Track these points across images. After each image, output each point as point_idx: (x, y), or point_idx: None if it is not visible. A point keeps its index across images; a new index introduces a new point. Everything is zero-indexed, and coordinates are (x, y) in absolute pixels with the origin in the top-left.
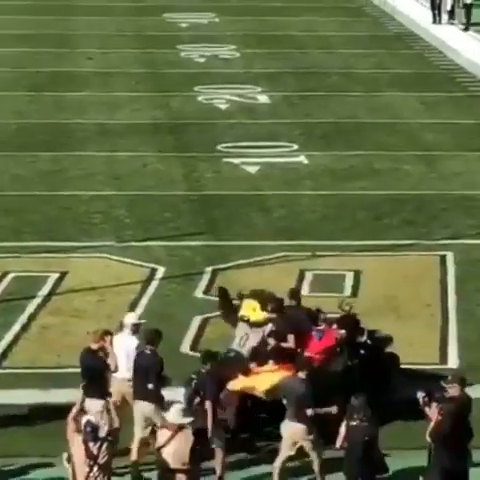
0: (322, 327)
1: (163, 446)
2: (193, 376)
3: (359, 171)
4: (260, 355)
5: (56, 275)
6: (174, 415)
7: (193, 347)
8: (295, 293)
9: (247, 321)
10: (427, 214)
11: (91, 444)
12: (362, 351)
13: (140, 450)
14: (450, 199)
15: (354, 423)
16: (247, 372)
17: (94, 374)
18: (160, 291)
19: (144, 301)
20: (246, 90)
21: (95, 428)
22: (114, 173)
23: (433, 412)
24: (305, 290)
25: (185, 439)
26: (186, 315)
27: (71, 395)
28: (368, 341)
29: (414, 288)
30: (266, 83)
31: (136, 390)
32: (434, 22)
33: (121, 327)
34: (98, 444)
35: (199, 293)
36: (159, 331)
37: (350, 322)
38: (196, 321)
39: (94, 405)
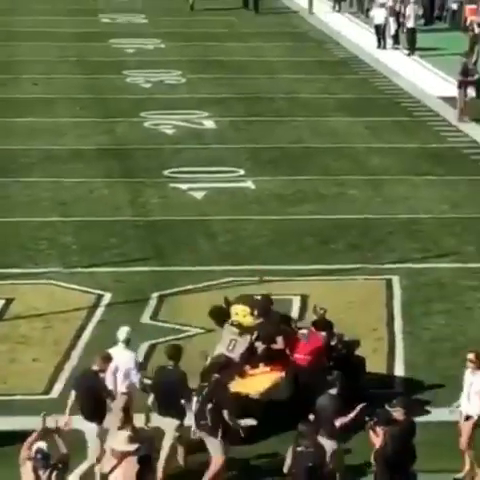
0: (305, 330)
1: (109, 473)
2: (204, 384)
3: (305, 196)
4: (249, 359)
5: (2, 302)
6: (121, 442)
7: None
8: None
9: (238, 326)
10: (373, 238)
11: (41, 472)
12: (334, 354)
13: (167, 466)
14: (396, 223)
15: (300, 449)
16: (243, 375)
17: (95, 396)
18: (107, 317)
19: (90, 327)
20: (192, 115)
21: (46, 456)
22: (60, 199)
23: (378, 435)
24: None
25: (131, 466)
26: (133, 341)
27: (18, 422)
28: (339, 345)
29: (361, 312)
30: (212, 108)
31: (160, 406)
32: (379, 47)
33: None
34: (48, 472)
35: (146, 319)
36: (180, 346)
37: (327, 325)
38: (143, 347)
39: (88, 429)
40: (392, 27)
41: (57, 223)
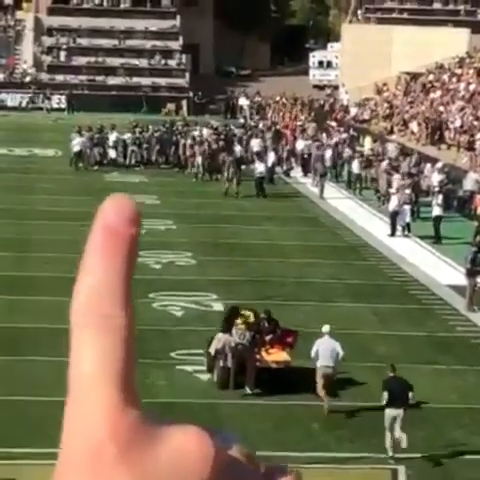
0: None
1: None
2: None
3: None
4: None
5: None
6: None
7: None
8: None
9: (245, 323)
10: (379, 428)
11: None
12: None
13: None
14: None
15: None
16: (268, 351)
17: None
18: None
19: None
20: (201, 297)
21: None
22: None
23: None
24: None
25: None
26: None
27: None
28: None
29: None
30: (221, 291)
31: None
32: (392, 235)
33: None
34: None
35: None
36: None
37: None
38: None
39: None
40: (407, 215)
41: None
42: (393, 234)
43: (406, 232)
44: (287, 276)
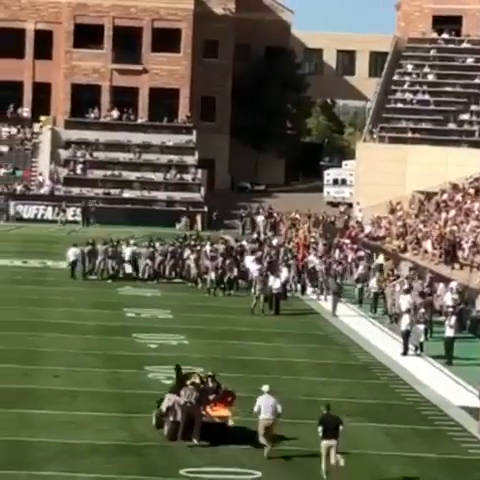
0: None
1: None
2: None
3: None
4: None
5: None
6: None
7: None
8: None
9: (193, 384)
10: None
11: None
12: None
13: None
14: None
15: None
16: (212, 407)
17: None
18: None
19: None
20: None
21: None
22: None
23: None
24: None
25: None
26: None
27: None
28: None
29: None
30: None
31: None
32: (404, 354)
33: None
34: None
35: None
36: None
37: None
38: None
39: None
40: (421, 335)
41: None
42: (405, 353)
43: (419, 351)
44: (298, 394)
